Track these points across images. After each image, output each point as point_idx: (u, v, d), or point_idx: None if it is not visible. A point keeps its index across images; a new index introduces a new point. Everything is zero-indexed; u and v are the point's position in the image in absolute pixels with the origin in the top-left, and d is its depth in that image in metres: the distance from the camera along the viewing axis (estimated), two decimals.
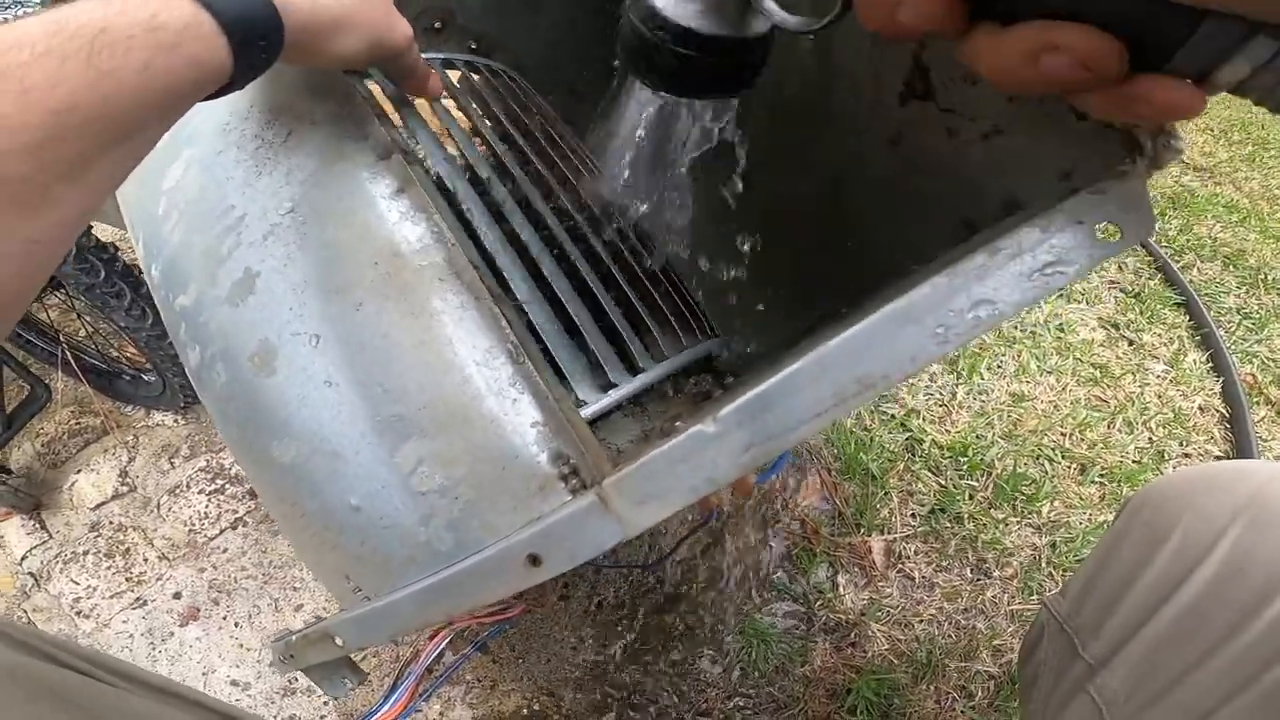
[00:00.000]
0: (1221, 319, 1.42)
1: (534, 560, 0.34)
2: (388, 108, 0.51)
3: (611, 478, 0.32)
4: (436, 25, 0.79)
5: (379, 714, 0.89)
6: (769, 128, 0.69)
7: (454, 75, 0.64)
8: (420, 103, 0.54)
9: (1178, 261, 1.56)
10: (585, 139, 0.68)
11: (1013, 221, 0.35)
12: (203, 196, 0.47)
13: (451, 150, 0.54)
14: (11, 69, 0.27)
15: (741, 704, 0.92)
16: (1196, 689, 0.43)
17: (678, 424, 0.33)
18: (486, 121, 0.59)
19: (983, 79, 0.29)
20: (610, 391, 0.48)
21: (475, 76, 0.66)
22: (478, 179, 0.53)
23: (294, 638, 0.47)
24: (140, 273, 0.96)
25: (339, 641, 0.44)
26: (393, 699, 0.90)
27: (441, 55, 0.67)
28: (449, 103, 0.58)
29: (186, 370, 0.49)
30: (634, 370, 0.50)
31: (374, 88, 0.52)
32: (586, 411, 0.46)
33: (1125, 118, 0.26)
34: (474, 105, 0.60)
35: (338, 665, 0.50)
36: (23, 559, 1.05)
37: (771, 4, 0.34)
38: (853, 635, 0.97)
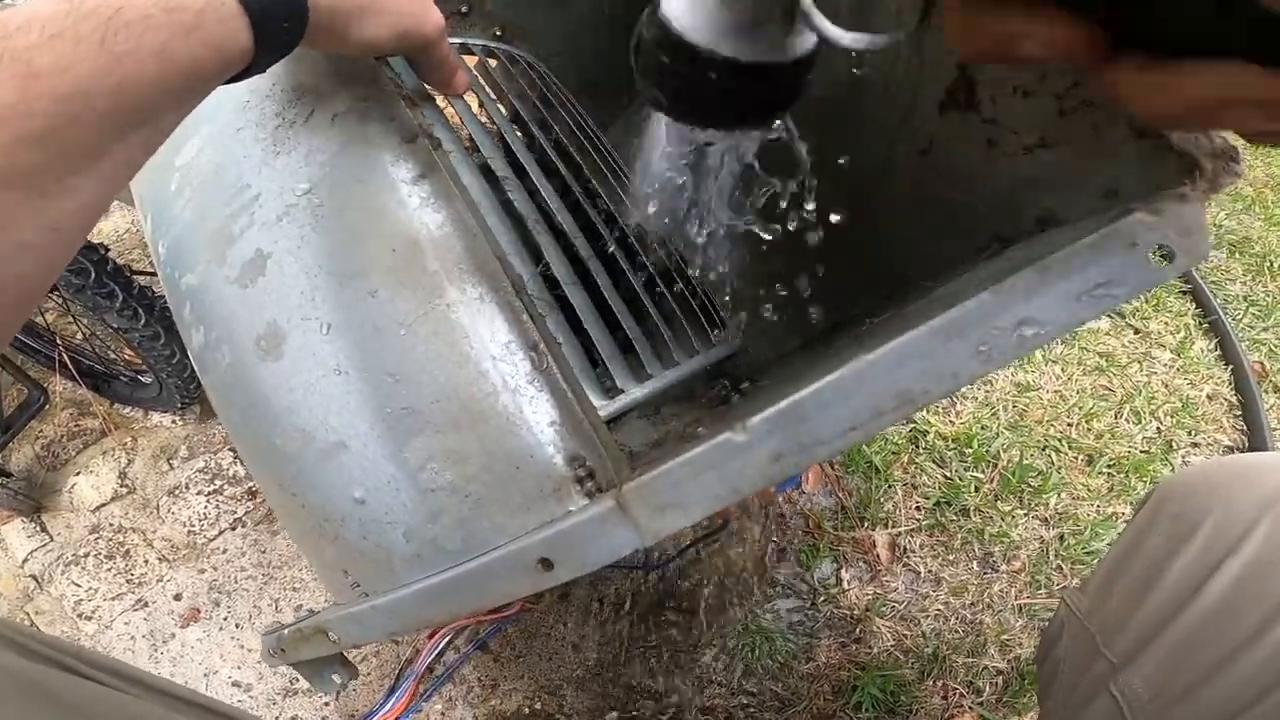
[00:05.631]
0: (1228, 306, 1.41)
1: (545, 564, 0.34)
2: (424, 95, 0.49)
3: (632, 483, 0.31)
4: (463, 9, 0.78)
5: (380, 714, 0.88)
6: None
7: (491, 62, 0.63)
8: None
9: None
10: (609, 136, 0.66)
11: (1057, 238, 0.33)
12: (217, 174, 0.45)
13: (487, 136, 0.52)
14: (19, 52, 0.25)
15: (745, 701, 0.91)
16: (1224, 689, 0.42)
17: (700, 430, 0.32)
18: (506, 107, 0.58)
19: (1036, 93, 0.26)
20: (646, 382, 0.47)
21: (511, 66, 0.65)
22: (518, 165, 0.52)
23: (285, 631, 0.46)
24: (131, 274, 0.95)
25: (333, 638, 0.43)
26: (394, 699, 0.89)
27: (465, 40, 0.65)
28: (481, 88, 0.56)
29: (189, 352, 0.47)
30: (664, 364, 0.49)
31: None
32: (612, 407, 0.45)
33: None
34: (507, 92, 0.58)
35: (329, 661, 0.49)
36: (24, 562, 1.04)
37: (825, 21, 0.28)
38: (858, 631, 0.96)
